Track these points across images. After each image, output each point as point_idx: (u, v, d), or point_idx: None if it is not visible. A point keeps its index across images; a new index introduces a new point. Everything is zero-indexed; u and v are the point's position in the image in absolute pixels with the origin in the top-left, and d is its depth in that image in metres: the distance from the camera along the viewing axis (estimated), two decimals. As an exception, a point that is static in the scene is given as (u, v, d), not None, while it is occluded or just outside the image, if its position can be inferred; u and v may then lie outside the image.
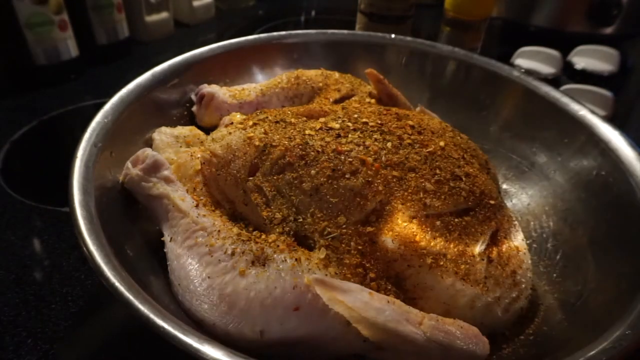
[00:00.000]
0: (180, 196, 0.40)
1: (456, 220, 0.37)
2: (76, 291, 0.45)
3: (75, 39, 0.78)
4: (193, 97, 0.56)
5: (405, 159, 0.40)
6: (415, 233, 0.36)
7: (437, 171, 0.39)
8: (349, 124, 0.43)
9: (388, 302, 0.32)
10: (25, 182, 0.59)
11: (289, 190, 0.38)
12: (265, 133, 0.42)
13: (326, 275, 0.33)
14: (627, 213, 0.41)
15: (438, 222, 0.36)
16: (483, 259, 0.37)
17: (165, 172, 0.41)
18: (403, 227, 0.36)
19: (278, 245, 0.35)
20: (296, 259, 0.34)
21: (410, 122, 0.45)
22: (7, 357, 0.39)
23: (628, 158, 0.43)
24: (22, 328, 0.42)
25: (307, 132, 0.42)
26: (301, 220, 0.37)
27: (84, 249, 0.32)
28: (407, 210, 0.36)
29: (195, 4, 1.03)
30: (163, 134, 0.48)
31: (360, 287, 0.32)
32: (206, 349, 0.27)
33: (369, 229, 0.36)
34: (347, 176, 0.38)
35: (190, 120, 0.55)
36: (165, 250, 0.38)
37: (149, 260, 0.39)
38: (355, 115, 0.45)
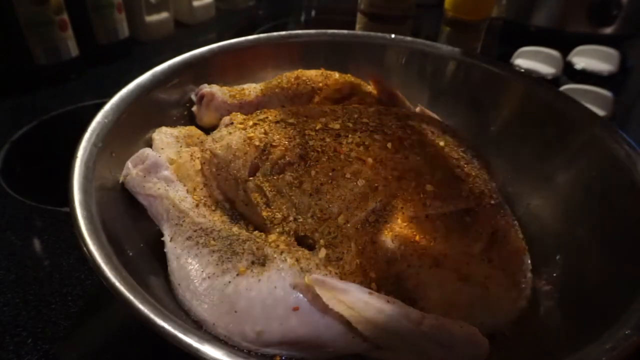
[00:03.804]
0: (180, 196, 0.40)
1: (456, 220, 0.37)
2: (76, 291, 0.45)
3: (75, 39, 0.78)
4: (193, 97, 0.56)
5: (405, 159, 0.40)
6: (415, 233, 0.36)
7: (437, 171, 0.39)
8: (349, 124, 0.43)
9: (388, 302, 0.32)
10: (25, 182, 0.59)
11: (289, 190, 0.38)
12: (265, 133, 0.42)
13: (326, 275, 0.33)
14: (627, 213, 0.41)
15: (438, 222, 0.36)
16: (483, 259, 0.36)
17: (165, 172, 0.41)
18: (403, 227, 0.36)
19: (278, 245, 0.35)
20: (296, 259, 0.34)
21: (410, 122, 0.45)
22: (7, 357, 0.39)
23: (628, 158, 0.43)
24: (22, 328, 0.42)
25: (307, 132, 0.42)
26: (301, 220, 0.37)
27: (84, 249, 0.32)
28: (407, 210, 0.36)
29: (195, 4, 1.03)
30: (163, 134, 0.48)
31: (360, 287, 0.32)
32: (206, 348, 0.27)
33: (369, 228, 0.36)
34: (347, 176, 0.38)
35: (190, 120, 0.55)
36: (165, 250, 0.38)
37: (149, 260, 0.39)
38: (355, 115, 0.45)
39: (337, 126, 0.43)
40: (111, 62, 0.86)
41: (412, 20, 0.83)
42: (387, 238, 0.36)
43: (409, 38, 0.64)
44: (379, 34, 0.66)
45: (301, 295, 0.32)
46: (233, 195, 0.41)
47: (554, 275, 0.42)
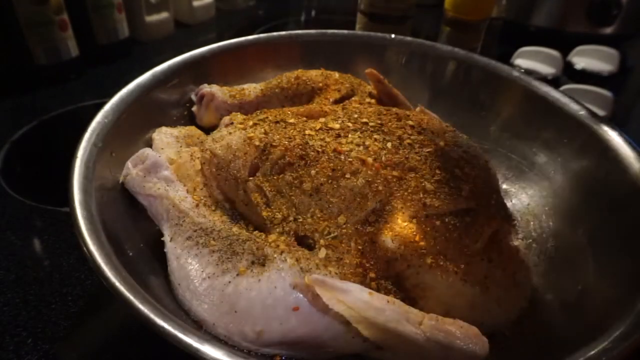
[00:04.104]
0: (180, 196, 0.40)
1: (456, 220, 0.37)
2: (76, 291, 0.45)
3: (75, 39, 0.78)
4: (193, 97, 0.56)
5: (405, 159, 0.40)
6: (415, 233, 0.36)
7: (437, 171, 0.39)
8: (349, 124, 0.43)
9: (388, 302, 0.32)
10: (25, 182, 0.59)
11: (289, 190, 0.38)
12: (266, 133, 0.42)
13: (326, 275, 0.33)
14: (627, 213, 0.41)
15: (438, 222, 0.36)
16: (483, 259, 0.36)
17: (165, 172, 0.41)
18: (403, 227, 0.36)
19: (278, 245, 0.35)
20: (296, 259, 0.34)
21: (410, 122, 0.45)
22: (7, 357, 0.39)
23: (628, 158, 0.43)
24: (22, 328, 0.42)
25: (307, 132, 0.42)
26: (301, 220, 0.37)
27: (84, 249, 0.32)
28: (407, 210, 0.36)
29: (195, 4, 1.03)
30: (163, 134, 0.48)
31: (360, 287, 0.32)
32: (206, 348, 0.27)
33: (369, 228, 0.36)
34: (347, 176, 0.38)
35: (190, 120, 0.55)
36: (165, 250, 0.38)
37: (149, 260, 0.39)
38: (355, 115, 0.45)
39: (337, 126, 0.43)
40: (111, 62, 0.86)
41: (412, 20, 0.83)
42: (387, 238, 0.36)
43: (409, 38, 0.64)
44: (379, 34, 0.66)
45: (301, 295, 0.32)
46: (233, 195, 0.41)
47: (554, 275, 0.42)
